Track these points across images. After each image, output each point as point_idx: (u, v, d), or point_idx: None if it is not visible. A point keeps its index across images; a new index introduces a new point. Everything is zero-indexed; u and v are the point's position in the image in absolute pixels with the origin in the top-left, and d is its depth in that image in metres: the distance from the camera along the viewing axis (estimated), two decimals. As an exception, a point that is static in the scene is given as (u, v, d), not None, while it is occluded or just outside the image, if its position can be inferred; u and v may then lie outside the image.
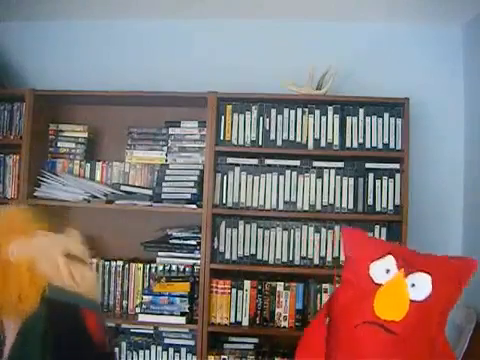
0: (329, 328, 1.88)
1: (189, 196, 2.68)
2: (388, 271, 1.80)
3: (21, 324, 1.30)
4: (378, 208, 2.65)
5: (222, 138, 2.71)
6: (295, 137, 2.70)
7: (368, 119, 2.68)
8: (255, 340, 2.69)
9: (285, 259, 2.69)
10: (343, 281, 1.95)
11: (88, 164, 2.88)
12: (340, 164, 2.68)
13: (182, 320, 2.60)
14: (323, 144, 2.69)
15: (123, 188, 2.78)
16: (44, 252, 1.36)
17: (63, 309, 1.31)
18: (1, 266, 1.33)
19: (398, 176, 2.65)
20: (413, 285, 1.77)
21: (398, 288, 1.77)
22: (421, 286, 1.77)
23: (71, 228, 1.51)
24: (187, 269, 2.73)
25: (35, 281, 1.31)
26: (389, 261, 1.82)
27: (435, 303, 1.76)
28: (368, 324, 1.73)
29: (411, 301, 1.74)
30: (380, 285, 1.78)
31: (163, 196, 2.70)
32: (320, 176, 2.69)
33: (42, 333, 1.25)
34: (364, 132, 2.67)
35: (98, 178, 2.86)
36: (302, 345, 1.92)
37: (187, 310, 2.62)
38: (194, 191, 2.69)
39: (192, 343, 2.69)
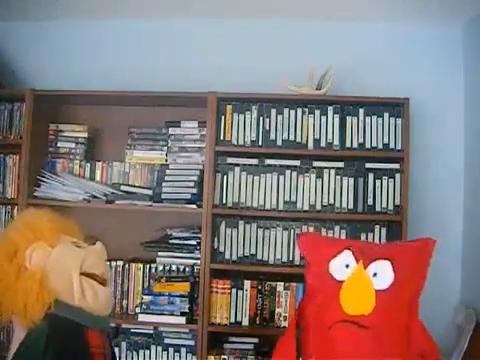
0: (302, 336, 1.87)
1: (189, 196, 2.68)
2: (347, 266, 1.80)
3: (25, 335, 1.29)
4: (378, 208, 2.65)
5: (222, 138, 2.71)
6: (295, 137, 2.70)
7: (368, 119, 2.68)
8: (255, 340, 2.69)
9: (285, 259, 2.69)
10: (307, 287, 1.95)
11: (88, 164, 2.88)
12: (340, 164, 2.68)
13: (182, 320, 2.60)
14: (323, 144, 2.69)
15: (123, 188, 2.78)
16: (61, 266, 1.35)
17: (67, 327, 1.30)
18: (16, 271, 1.32)
19: (398, 176, 2.65)
20: (375, 274, 1.77)
21: (361, 280, 1.77)
22: (383, 274, 1.77)
23: (99, 241, 1.49)
24: (187, 269, 2.73)
25: (43, 296, 1.30)
26: (346, 256, 1.82)
27: (400, 289, 1.76)
28: (340, 323, 1.73)
29: (376, 291, 1.74)
30: (342, 282, 1.78)
31: (163, 196, 2.70)
32: (320, 176, 2.68)
33: (43, 348, 1.25)
34: (364, 132, 2.67)
35: (98, 178, 2.86)
36: (275, 355, 1.92)
37: (187, 310, 2.62)
38: (194, 191, 2.69)
39: (192, 343, 2.68)
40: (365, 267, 1.78)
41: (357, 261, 1.80)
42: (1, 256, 1.35)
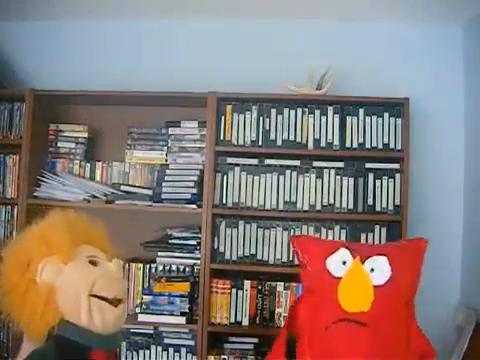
0: (297, 344, 1.84)
1: (189, 196, 2.68)
2: (345, 263, 1.80)
3: (30, 354, 1.28)
4: (378, 208, 2.65)
5: (222, 138, 2.71)
6: (295, 137, 2.70)
7: (368, 119, 2.68)
8: (255, 340, 2.68)
9: (285, 259, 2.69)
10: (304, 290, 1.93)
11: (88, 164, 2.88)
12: (340, 164, 2.68)
13: (182, 320, 2.60)
14: (323, 144, 2.69)
15: (123, 188, 2.78)
16: (70, 286, 1.32)
17: (72, 350, 1.28)
18: (26, 284, 1.30)
19: (398, 176, 2.65)
20: (372, 270, 1.76)
21: (358, 276, 1.76)
22: (380, 269, 1.76)
23: (116, 259, 1.46)
24: (187, 269, 2.73)
25: (47, 316, 1.29)
26: (343, 253, 1.82)
27: (398, 284, 1.76)
28: (338, 322, 1.71)
29: (375, 287, 1.73)
30: (340, 278, 1.77)
31: (163, 196, 2.70)
32: (320, 176, 2.68)
33: None
34: (364, 132, 2.67)
35: (98, 178, 2.86)
36: None
37: (187, 310, 2.62)
38: (194, 191, 2.69)
39: (192, 343, 2.68)
40: (362, 263, 1.78)
41: (354, 257, 1.80)
42: (14, 268, 1.33)
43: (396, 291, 1.76)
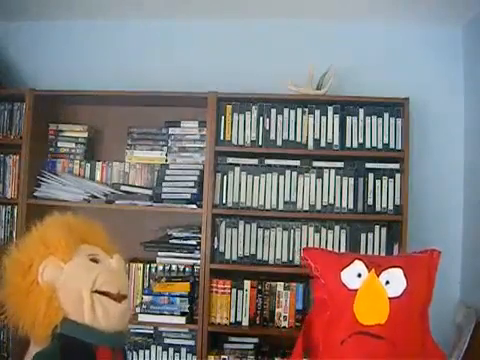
0: (311, 355, 1.83)
1: (189, 196, 2.69)
2: (360, 275, 1.79)
3: (35, 356, 1.28)
4: (378, 208, 2.65)
5: (222, 138, 2.71)
6: (295, 137, 2.70)
7: (368, 119, 2.68)
8: (255, 340, 2.69)
9: (285, 259, 2.69)
10: (316, 303, 1.91)
11: (88, 164, 2.88)
12: (340, 164, 2.68)
13: (182, 320, 2.60)
14: (323, 144, 2.69)
15: (123, 188, 2.78)
16: (71, 284, 1.33)
17: (76, 348, 1.29)
18: (28, 285, 1.32)
19: (398, 176, 2.65)
20: (387, 282, 1.76)
21: (374, 288, 1.75)
22: (396, 281, 1.76)
23: (117, 255, 1.46)
24: (187, 269, 2.73)
25: (50, 315, 1.30)
26: (358, 265, 1.81)
27: (413, 296, 1.76)
28: (354, 336, 1.70)
29: (390, 299, 1.73)
30: (355, 291, 1.76)
31: (163, 196, 2.70)
32: (320, 176, 2.69)
33: None
34: (364, 132, 2.67)
35: (98, 178, 2.86)
36: None
37: (187, 310, 2.62)
38: (194, 191, 2.69)
39: (192, 343, 2.68)
40: (377, 275, 1.77)
41: (369, 270, 1.79)
42: (15, 271, 1.35)
43: (411, 303, 1.75)
